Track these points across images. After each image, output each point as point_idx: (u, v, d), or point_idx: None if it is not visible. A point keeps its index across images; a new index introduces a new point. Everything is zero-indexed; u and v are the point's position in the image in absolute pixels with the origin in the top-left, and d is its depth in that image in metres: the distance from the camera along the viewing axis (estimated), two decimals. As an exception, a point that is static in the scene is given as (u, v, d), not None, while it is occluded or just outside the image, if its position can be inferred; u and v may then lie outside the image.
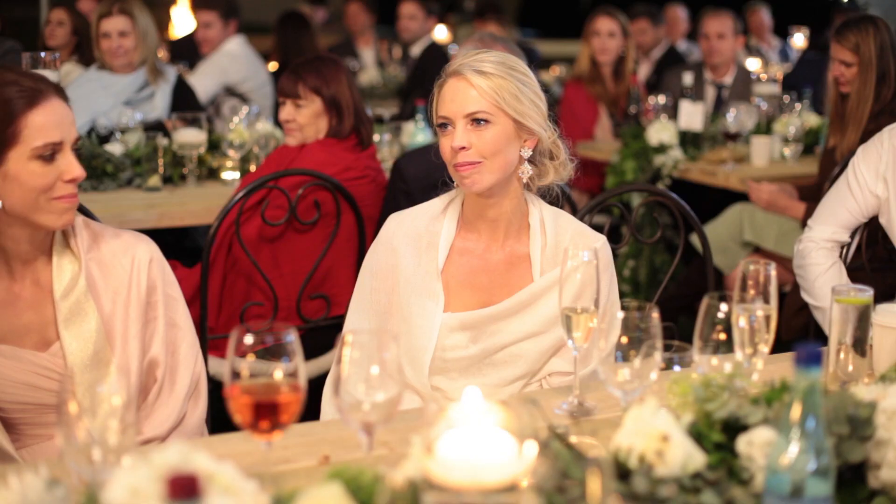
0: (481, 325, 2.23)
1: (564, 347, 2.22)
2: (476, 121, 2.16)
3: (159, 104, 4.54)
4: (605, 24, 5.84)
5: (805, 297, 2.90)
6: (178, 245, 4.14)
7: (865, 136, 3.55)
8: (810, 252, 2.88)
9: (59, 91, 1.98)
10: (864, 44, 3.68)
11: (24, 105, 1.91)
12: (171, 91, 4.58)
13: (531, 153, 2.23)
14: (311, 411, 1.81)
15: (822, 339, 2.06)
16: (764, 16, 8.21)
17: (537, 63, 7.38)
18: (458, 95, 2.17)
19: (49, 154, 1.93)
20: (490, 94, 2.15)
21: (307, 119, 3.34)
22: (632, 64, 5.97)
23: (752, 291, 1.93)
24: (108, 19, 4.43)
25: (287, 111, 3.36)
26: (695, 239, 3.99)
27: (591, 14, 5.95)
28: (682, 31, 8.09)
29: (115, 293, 2.07)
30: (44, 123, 1.92)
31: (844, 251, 3.06)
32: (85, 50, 5.55)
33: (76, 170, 1.96)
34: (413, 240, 2.28)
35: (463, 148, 2.16)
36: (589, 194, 5.45)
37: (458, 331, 2.23)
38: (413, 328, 2.22)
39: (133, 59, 4.47)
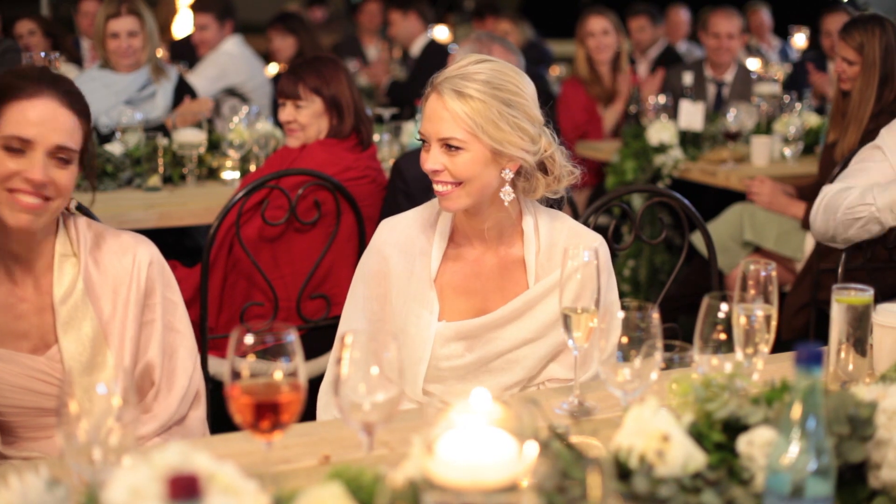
0: (477, 334, 2.19)
1: (563, 353, 2.20)
2: (449, 146, 2.10)
3: (161, 103, 4.54)
4: (597, 24, 5.86)
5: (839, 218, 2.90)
6: (178, 245, 4.14)
7: (865, 136, 3.56)
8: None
9: (64, 96, 1.96)
10: (868, 44, 3.65)
11: (14, 94, 1.92)
12: (172, 90, 4.59)
13: (513, 175, 2.14)
14: (311, 411, 1.81)
15: (823, 339, 2.06)
16: (764, 16, 8.20)
17: (547, 62, 7.30)
18: (433, 116, 2.10)
19: (16, 147, 1.91)
20: (465, 121, 2.07)
21: (308, 119, 3.34)
22: (626, 58, 5.99)
23: (752, 291, 1.93)
24: (117, 19, 4.41)
25: (287, 112, 3.35)
26: (695, 238, 3.98)
27: (582, 16, 5.97)
28: (683, 33, 8.07)
29: (115, 294, 2.06)
30: (22, 118, 1.92)
31: (843, 256, 3.06)
32: (61, 44, 5.59)
33: (36, 172, 1.91)
34: (405, 247, 2.23)
35: (436, 171, 2.12)
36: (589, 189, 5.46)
37: (454, 340, 2.19)
38: (407, 338, 2.18)
39: (141, 58, 4.46)
